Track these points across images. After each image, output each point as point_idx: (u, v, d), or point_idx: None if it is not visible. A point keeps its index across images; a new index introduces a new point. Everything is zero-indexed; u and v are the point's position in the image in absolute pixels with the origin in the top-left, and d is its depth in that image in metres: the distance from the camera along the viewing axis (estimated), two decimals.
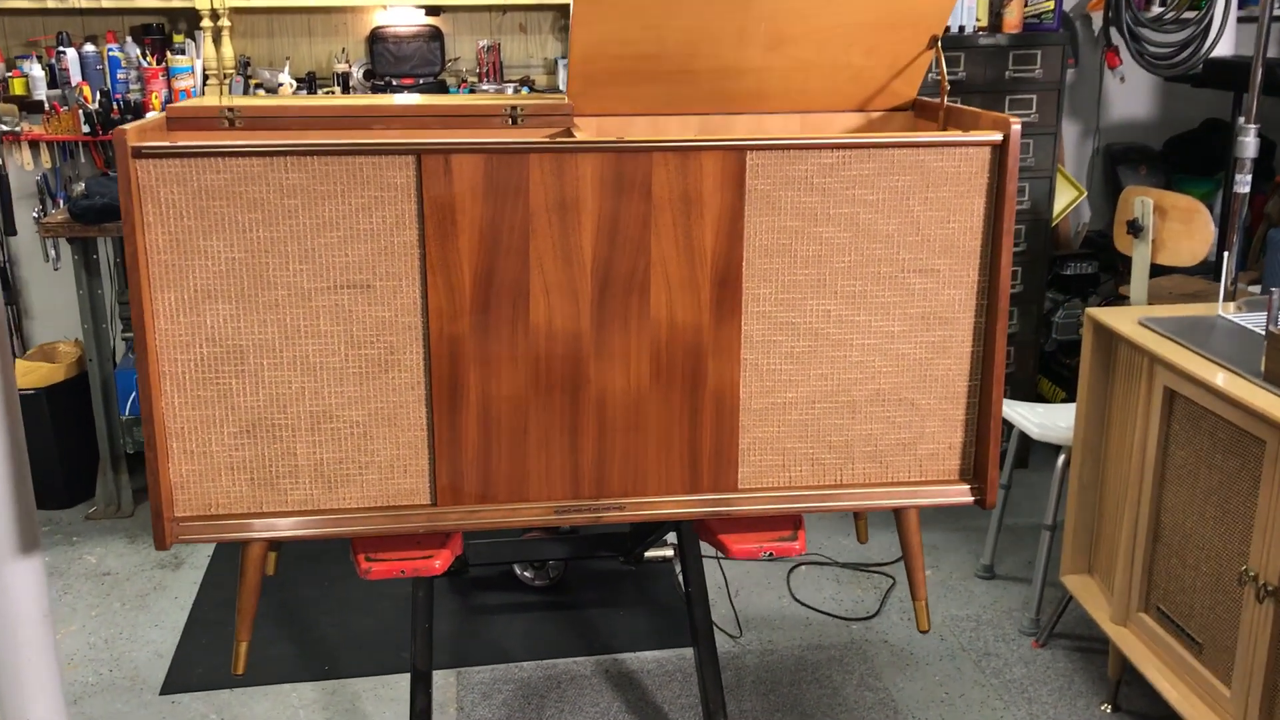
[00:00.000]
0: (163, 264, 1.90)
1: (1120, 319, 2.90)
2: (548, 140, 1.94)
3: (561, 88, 4.51)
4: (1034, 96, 4.14)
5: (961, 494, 2.17)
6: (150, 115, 2.16)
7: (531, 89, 4.53)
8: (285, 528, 2.02)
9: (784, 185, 2.00)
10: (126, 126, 1.86)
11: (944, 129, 2.29)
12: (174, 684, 3.16)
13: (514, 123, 2.20)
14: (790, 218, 2.02)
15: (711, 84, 2.29)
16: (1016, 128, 2.01)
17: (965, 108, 2.23)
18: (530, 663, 3.28)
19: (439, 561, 2.03)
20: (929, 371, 2.11)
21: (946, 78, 2.38)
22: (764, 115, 2.39)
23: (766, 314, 2.05)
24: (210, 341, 1.95)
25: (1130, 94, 4.94)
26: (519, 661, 3.29)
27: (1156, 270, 3.55)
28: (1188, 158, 4.82)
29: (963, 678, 3.23)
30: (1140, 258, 3.44)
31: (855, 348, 2.09)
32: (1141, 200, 3.43)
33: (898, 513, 2.20)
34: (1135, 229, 3.44)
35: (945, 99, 2.28)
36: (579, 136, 2.13)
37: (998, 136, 2.02)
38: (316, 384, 1.99)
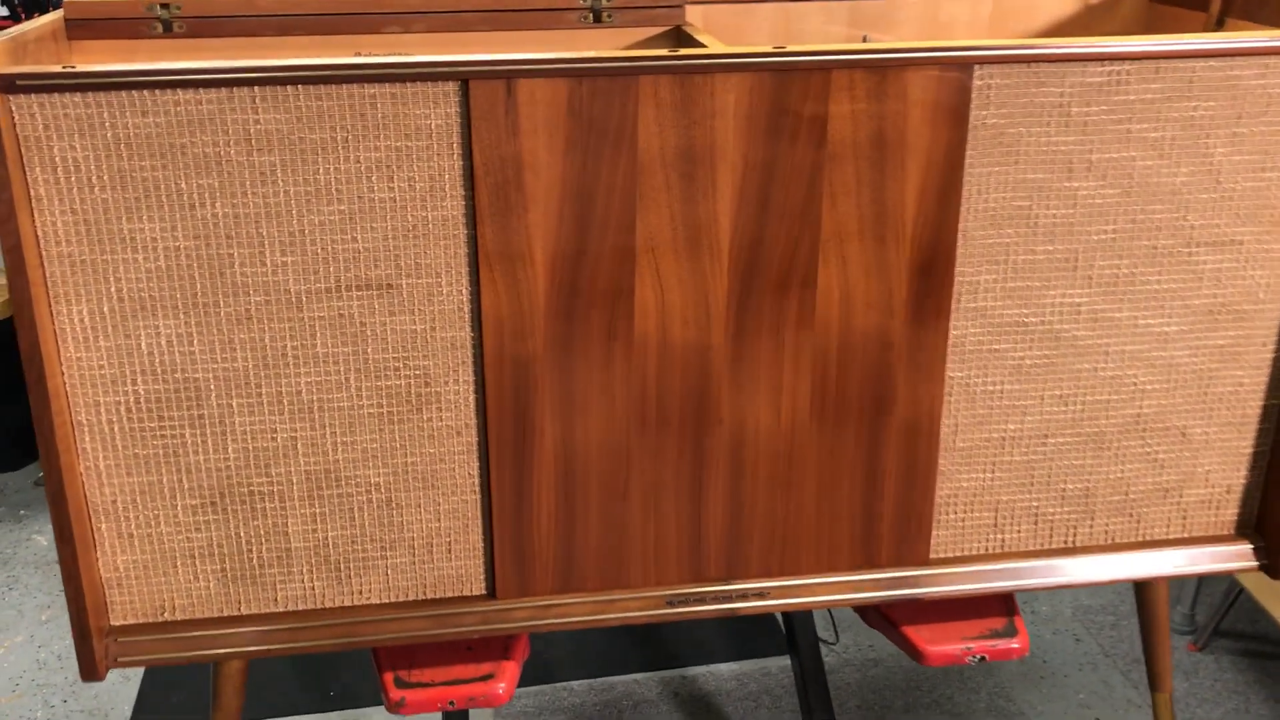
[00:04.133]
0: (66, 260, 1.21)
1: None
2: (668, 53, 1.22)
3: None
4: None
5: (1239, 556, 1.52)
6: (43, 19, 1.42)
7: None
8: (275, 638, 1.36)
9: (1027, 117, 1.30)
10: None
11: (1218, 24, 1.57)
12: (147, 715, 2.55)
13: (596, 20, 1.47)
14: (1033, 167, 1.32)
15: None
16: None
17: None
18: (581, 683, 2.68)
19: (502, 685, 1.39)
20: (1211, 388, 1.44)
21: None
22: None
23: (987, 311, 1.37)
24: (149, 375, 1.26)
25: None
26: (567, 682, 2.69)
27: None
28: None
29: (1112, 695, 2.64)
30: None
31: (1111, 357, 1.41)
32: None
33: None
34: None
35: None
36: (705, 43, 1.40)
37: None
38: (314, 432, 1.31)
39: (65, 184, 1.18)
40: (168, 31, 1.36)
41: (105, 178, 1.19)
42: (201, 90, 1.17)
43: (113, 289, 1.23)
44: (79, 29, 1.36)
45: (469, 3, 1.44)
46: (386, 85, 1.19)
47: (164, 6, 1.36)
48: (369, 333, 1.28)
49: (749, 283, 1.32)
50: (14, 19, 3.35)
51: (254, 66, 1.16)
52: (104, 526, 1.31)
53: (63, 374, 1.25)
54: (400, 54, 1.42)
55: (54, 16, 1.35)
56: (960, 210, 1.32)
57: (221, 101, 1.18)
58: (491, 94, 1.20)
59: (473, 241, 1.26)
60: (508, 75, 1.19)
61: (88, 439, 1.28)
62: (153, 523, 1.32)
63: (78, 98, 1.15)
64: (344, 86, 1.19)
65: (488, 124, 1.21)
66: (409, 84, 1.19)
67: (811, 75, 1.24)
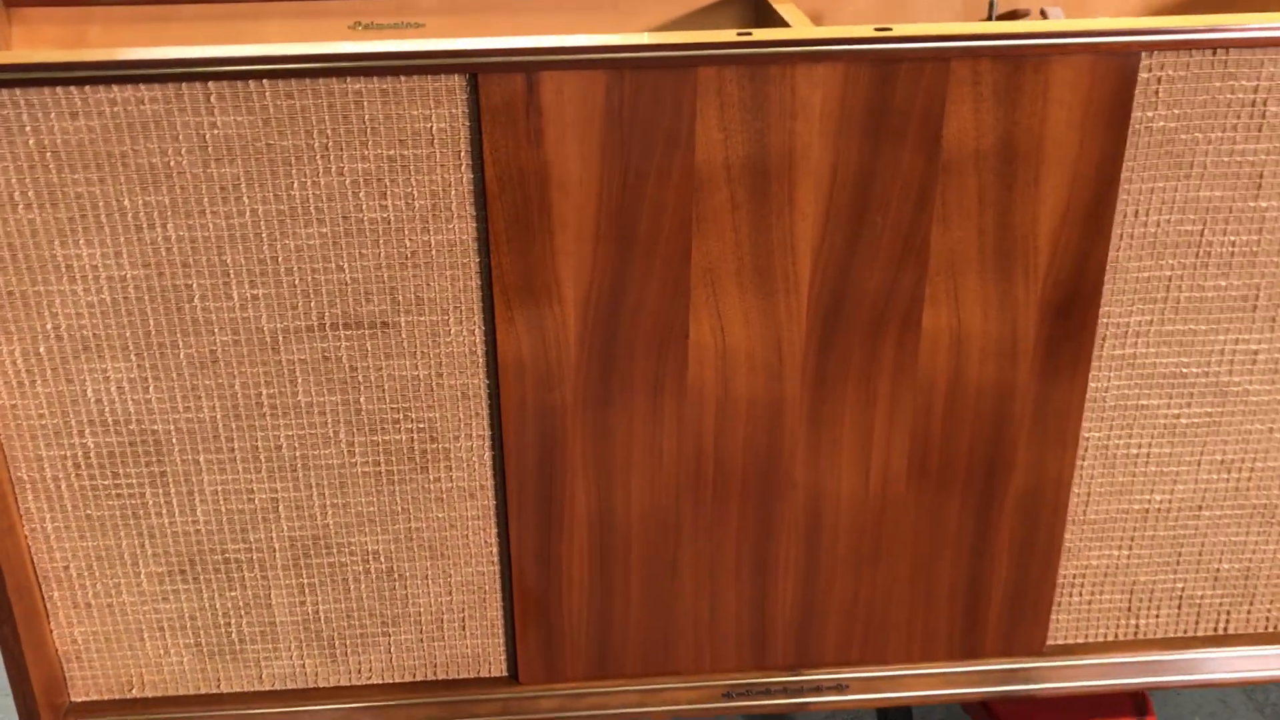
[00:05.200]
0: None
1: None
2: (736, 37, 0.94)
3: None
4: None
5: None
6: None
7: None
8: None
9: (1207, 119, 0.99)
10: None
11: None
12: None
13: None
14: (1210, 182, 1.02)
15: None
16: None
17: None
18: None
19: None
20: None
21: None
22: None
23: (1136, 360, 1.08)
24: (99, 426, 1.04)
25: None
26: None
27: None
28: None
29: None
30: None
31: None
32: None
33: None
34: None
35: None
36: (786, 19, 1.10)
37: None
38: (299, 493, 1.09)
39: None
40: None
41: (30, 194, 0.95)
42: (143, 88, 0.92)
43: (49, 325, 1.00)
44: None
45: None
46: (374, 80, 0.93)
47: None
48: (361, 379, 1.04)
49: (834, 323, 1.05)
50: None
51: (204, 58, 0.91)
52: (56, 595, 1.11)
53: None
54: (410, 21, 1.15)
55: None
56: (1111, 236, 1.03)
57: (169, 101, 0.93)
58: (508, 90, 0.94)
59: (486, 272, 1.01)
60: (528, 67, 0.93)
61: (30, 498, 1.07)
62: (113, 591, 1.11)
63: None
64: (320, 81, 0.93)
65: (503, 128, 0.95)
66: (403, 78, 0.93)
67: (924, 66, 0.95)
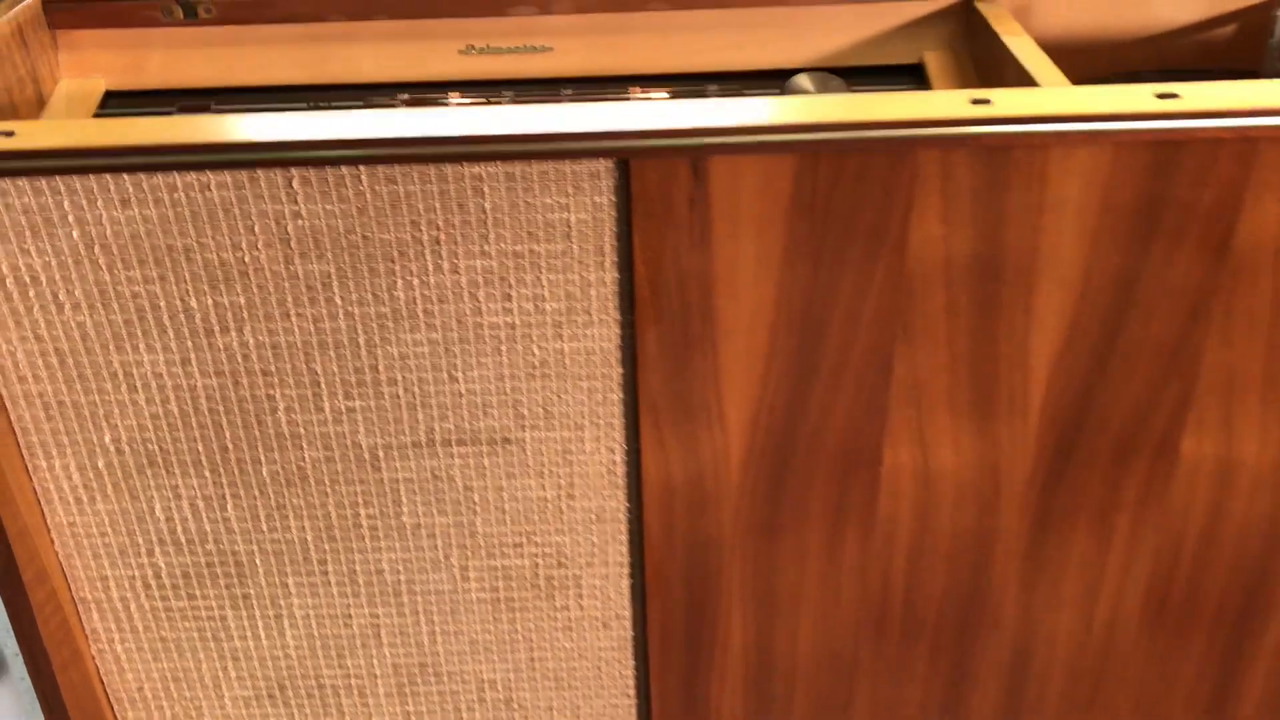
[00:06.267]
0: (38, 402, 0.81)
1: None
2: (972, 107, 0.70)
3: None
4: None
5: None
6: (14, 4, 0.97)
7: None
8: None
9: None
10: None
11: None
12: None
13: None
14: None
15: None
16: None
17: None
18: None
19: None
20: None
21: None
22: None
23: None
24: (170, 545, 0.88)
25: None
26: None
27: None
28: None
29: None
30: None
31: None
32: None
33: None
34: None
35: None
36: (1029, 69, 0.85)
37: None
38: (403, 619, 0.92)
39: (21, 302, 0.78)
40: (190, 18, 0.91)
41: (78, 293, 0.77)
42: (209, 174, 0.73)
43: (107, 439, 0.83)
44: (64, 15, 0.92)
45: None
46: (498, 164, 0.72)
47: None
48: (477, 499, 0.86)
49: (1068, 449, 0.83)
50: None
51: (282, 141, 0.71)
52: (130, 716, 0.97)
53: (54, 543, 0.88)
54: (535, 45, 0.93)
55: (29, 0, 0.90)
56: None
57: (240, 187, 0.74)
58: (668, 178, 0.72)
59: (630, 385, 0.81)
60: (696, 151, 0.71)
61: (96, 618, 0.92)
62: (194, 714, 0.97)
63: (23, 183, 0.73)
64: (427, 167, 0.73)
65: (660, 222, 0.74)
66: (533, 163, 0.72)
67: (1221, 148, 0.71)
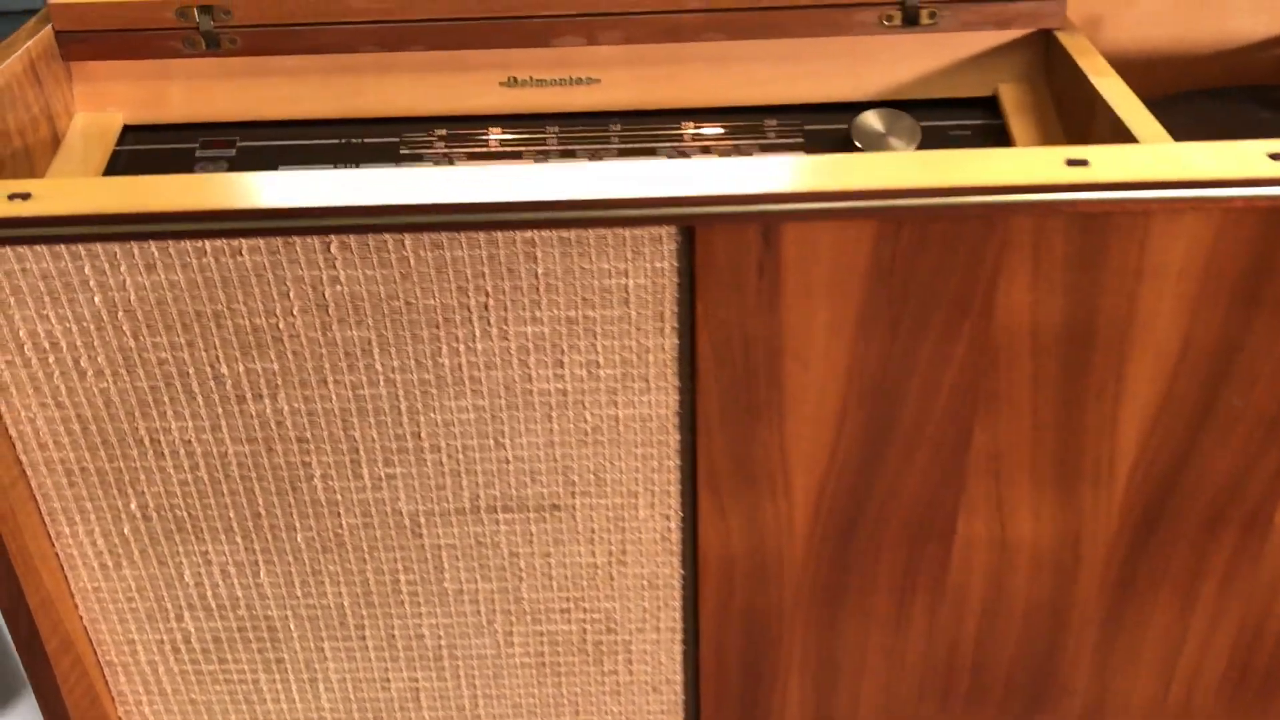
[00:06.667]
0: (60, 469, 0.77)
1: None
2: (1068, 170, 0.65)
3: None
4: None
5: None
6: (27, 37, 0.89)
7: None
8: None
9: None
10: None
11: None
12: None
13: (909, 23, 0.86)
14: None
15: None
16: None
17: None
18: None
19: None
20: None
21: None
22: None
23: None
24: (200, 611, 0.84)
25: None
26: None
27: None
28: None
29: None
30: None
31: None
32: None
33: None
34: None
35: None
36: (1122, 117, 0.78)
37: None
38: (443, 683, 0.88)
39: (41, 368, 0.73)
40: (213, 48, 0.85)
41: (100, 360, 0.72)
42: (242, 240, 0.68)
43: (133, 505, 0.79)
44: (79, 46, 0.86)
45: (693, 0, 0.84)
46: (551, 230, 0.67)
47: (204, 11, 0.83)
48: (523, 565, 0.82)
49: (1156, 518, 0.78)
50: None
51: (317, 208, 0.65)
52: None
53: (79, 607, 0.83)
54: (582, 76, 0.87)
55: (41, 32, 0.84)
56: None
57: (274, 252, 0.68)
58: (736, 244, 0.67)
59: (689, 452, 0.76)
60: (768, 218, 0.65)
61: (123, 680, 0.88)
62: None
63: (41, 249, 0.68)
64: (480, 232, 0.67)
65: (725, 289, 0.69)
66: (590, 229, 0.67)
67: None
